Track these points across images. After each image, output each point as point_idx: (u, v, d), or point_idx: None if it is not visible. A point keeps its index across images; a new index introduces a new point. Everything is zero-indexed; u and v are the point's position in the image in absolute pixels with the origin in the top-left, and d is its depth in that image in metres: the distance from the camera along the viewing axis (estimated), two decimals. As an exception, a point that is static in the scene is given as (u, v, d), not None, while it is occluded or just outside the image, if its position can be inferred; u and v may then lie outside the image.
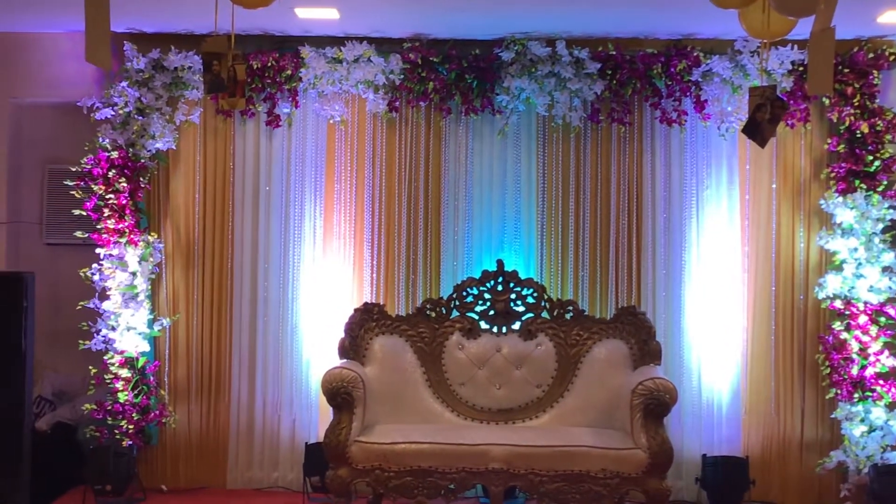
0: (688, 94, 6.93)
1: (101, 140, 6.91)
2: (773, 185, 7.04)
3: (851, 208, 6.76)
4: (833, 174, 6.88)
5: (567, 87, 6.89)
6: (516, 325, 6.72)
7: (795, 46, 6.79)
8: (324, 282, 7.12)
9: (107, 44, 4.16)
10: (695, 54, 6.88)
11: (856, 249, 6.77)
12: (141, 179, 7.00)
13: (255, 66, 6.91)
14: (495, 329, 6.73)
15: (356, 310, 6.70)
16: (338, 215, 7.14)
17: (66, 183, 7.00)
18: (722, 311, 7.03)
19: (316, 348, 7.09)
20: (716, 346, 7.03)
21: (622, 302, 7.00)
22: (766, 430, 7.00)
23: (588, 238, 7.09)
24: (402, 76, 6.97)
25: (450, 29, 6.91)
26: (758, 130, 4.93)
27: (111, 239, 6.89)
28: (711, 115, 6.95)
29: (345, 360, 6.46)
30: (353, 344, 6.57)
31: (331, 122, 7.11)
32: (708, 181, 7.07)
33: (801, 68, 6.83)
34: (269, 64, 6.95)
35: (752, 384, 7.02)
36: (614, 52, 6.89)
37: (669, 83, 6.92)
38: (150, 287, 7.02)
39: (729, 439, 7.00)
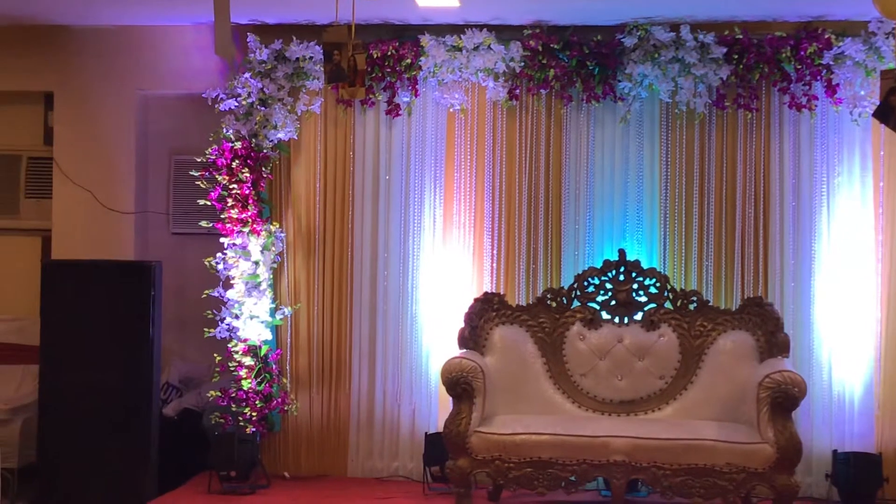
0: (818, 78, 6.81)
1: (224, 131, 7.09)
2: (909, 172, 6.89)
3: None
4: (973, 160, 6.69)
5: (691, 72, 6.83)
6: (638, 316, 6.71)
7: (933, 27, 6.62)
8: (443, 271, 7.19)
9: (232, 36, 4.30)
10: (826, 36, 6.75)
11: None
12: (263, 169, 7.17)
13: (375, 56, 7.01)
14: (617, 319, 6.73)
15: (476, 299, 6.78)
16: (457, 204, 7.20)
17: (191, 173, 7.19)
18: (854, 303, 6.88)
19: (435, 338, 7.17)
20: (847, 339, 6.88)
21: (748, 293, 6.91)
22: (901, 427, 6.86)
23: (713, 227, 7.02)
24: (522, 64, 7.00)
25: (571, 15, 6.91)
26: (891, 114, 4.84)
27: (234, 228, 7.06)
28: (843, 99, 6.81)
29: (464, 350, 6.53)
30: (473, 334, 6.64)
31: (450, 110, 7.18)
32: (839, 168, 6.93)
33: (939, 49, 6.66)
34: (389, 53, 7.05)
35: (886, 378, 6.85)
36: (741, 36, 6.80)
37: (799, 67, 6.80)
38: (272, 276, 7.18)
39: (861, 435, 6.85)
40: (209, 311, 7.06)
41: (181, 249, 7.68)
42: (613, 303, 6.73)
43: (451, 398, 6.21)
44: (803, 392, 5.90)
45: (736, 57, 6.81)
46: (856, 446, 6.80)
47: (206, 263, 7.10)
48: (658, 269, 6.82)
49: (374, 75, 7.06)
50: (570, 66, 6.94)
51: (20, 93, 7.72)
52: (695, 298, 6.69)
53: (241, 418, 6.95)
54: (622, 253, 6.77)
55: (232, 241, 7.07)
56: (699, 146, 7.03)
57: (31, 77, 7.56)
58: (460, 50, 7.02)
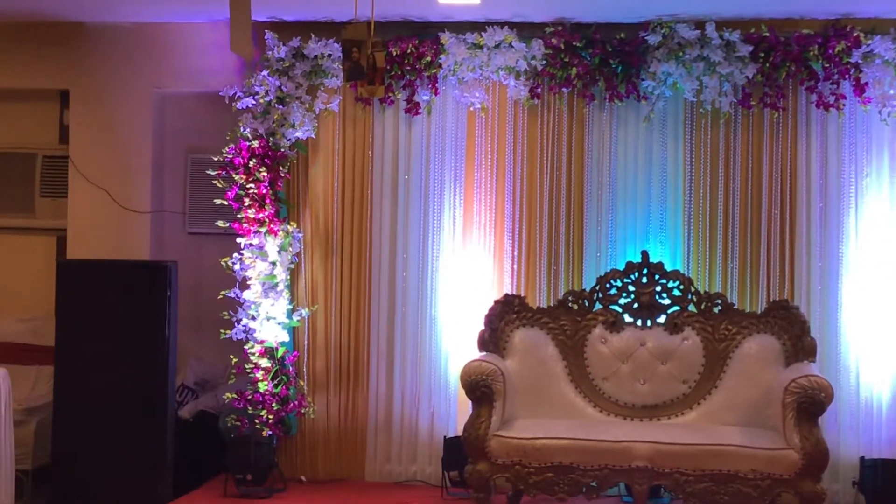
0: (847, 76, 6.78)
1: (242, 129, 7.11)
2: (939, 173, 6.86)
3: None
4: None
5: (717, 71, 6.81)
6: (661, 319, 6.70)
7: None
8: (463, 272, 7.20)
9: (249, 33, 4.32)
10: (854, 34, 6.73)
11: None
12: (281, 168, 7.19)
13: (394, 53, 7.01)
14: (639, 322, 6.72)
15: (496, 301, 6.78)
16: (478, 204, 7.21)
17: (208, 172, 7.21)
18: (883, 306, 6.85)
19: (455, 340, 7.17)
20: (876, 343, 6.85)
21: (774, 296, 6.89)
22: (931, 433, 6.83)
23: (738, 228, 7.01)
24: (544, 62, 7.00)
25: (593, 12, 6.91)
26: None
27: (251, 228, 7.08)
28: (872, 98, 6.78)
29: (484, 353, 6.54)
30: (493, 336, 6.64)
31: (471, 109, 7.18)
32: (868, 169, 6.91)
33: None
34: (409, 51, 7.06)
35: (915, 384, 6.85)
36: (767, 34, 6.78)
37: (827, 65, 6.78)
38: (289, 277, 7.20)
39: (890, 441, 6.82)
40: (225, 313, 7.08)
41: (197, 249, 7.71)
42: (636, 305, 6.73)
43: (470, 401, 6.21)
44: (830, 397, 5.88)
45: (762, 55, 6.79)
46: (884, 453, 6.77)
47: (223, 264, 7.13)
48: (682, 272, 6.81)
49: (393, 73, 7.07)
50: (592, 64, 6.93)
51: (35, 90, 7.77)
52: (719, 301, 6.67)
53: (257, 421, 6.96)
54: (645, 255, 6.76)
55: (249, 242, 7.09)
56: (724, 146, 7.02)
57: (47, 74, 7.61)
58: (481, 48, 7.02)
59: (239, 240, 7.12)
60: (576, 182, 7.14)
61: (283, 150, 7.18)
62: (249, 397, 6.99)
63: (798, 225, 6.95)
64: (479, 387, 6.11)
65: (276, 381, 7.04)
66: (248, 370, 7.04)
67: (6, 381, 6.01)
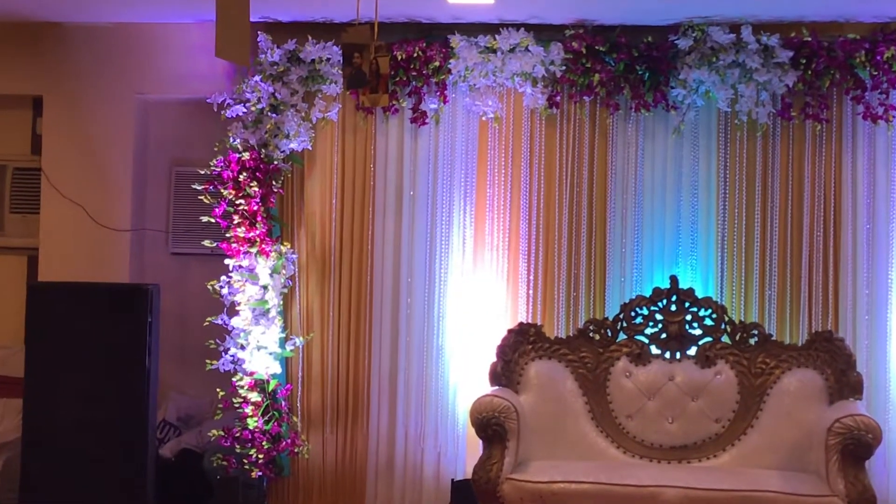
0: (896, 85, 6.81)
1: (231, 140, 7.12)
2: None
3: None
4: None
5: (753, 78, 6.82)
6: (692, 351, 6.70)
7: None
8: (474, 298, 7.19)
9: (243, 37, 4.31)
10: (905, 40, 6.76)
11: None
12: (274, 183, 7.20)
13: (399, 58, 7.03)
14: (668, 355, 6.72)
15: (510, 331, 6.78)
16: (490, 224, 7.21)
17: (193, 187, 7.22)
18: (936, 339, 6.86)
19: (464, 373, 7.16)
20: (928, 379, 6.86)
21: (816, 326, 6.88)
22: None
23: (776, 252, 7.00)
24: (563, 67, 7.01)
25: (618, 13, 6.92)
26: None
27: (241, 249, 7.08)
28: (924, 109, 6.81)
29: (496, 388, 6.54)
30: (507, 369, 6.64)
31: (483, 118, 7.19)
32: (920, 187, 6.93)
33: None
34: (415, 55, 7.07)
35: (971, 424, 6.82)
36: (809, 39, 6.79)
37: (875, 73, 6.78)
38: (282, 302, 7.20)
39: (943, 488, 6.82)
40: (211, 341, 7.08)
41: (181, 271, 7.71)
42: (664, 336, 6.72)
43: (480, 441, 6.21)
44: (879, 439, 5.87)
45: (804, 61, 6.80)
46: (937, 500, 6.76)
47: (209, 287, 7.13)
48: (714, 299, 6.81)
49: (398, 79, 7.09)
50: (616, 70, 6.94)
51: (6, 96, 7.77)
52: (756, 332, 6.67)
53: (246, 461, 6.96)
54: (674, 280, 6.75)
55: (238, 263, 7.09)
56: (762, 161, 7.02)
57: (19, 79, 7.63)
58: (494, 52, 7.04)
59: (227, 261, 7.12)
60: (598, 200, 7.14)
61: (276, 162, 7.19)
62: (237, 435, 6.98)
63: (843, 248, 6.94)
64: (490, 425, 6.11)
65: (266, 417, 7.04)
66: (237, 405, 7.03)
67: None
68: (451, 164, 7.26)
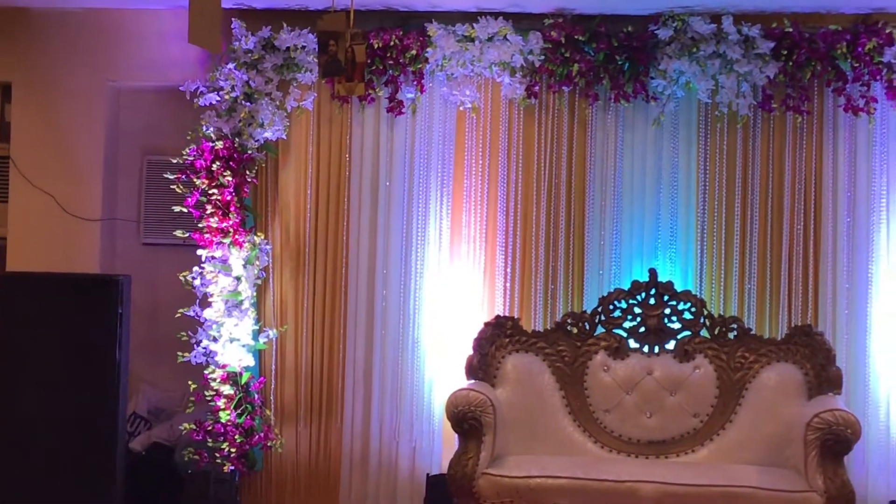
0: (878, 77, 6.82)
1: (204, 128, 7.10)
2: (980, 185, 6.89)
3: None
4: None
5: (734, 69, 6.84)
6: (670, 345, 6.72)
7: None
8: (450, 291, 7.19)
9: (215, 23, 4.30)
10: (887, 31, 6.77)
11: None
12: (247, 173, 7.18)
13: (375, 46, 7.02)
14: (646, 348, 6.73)
15: (487, 324, 6.78)
16: (467, 215, 7.21)
17: (166, 176, 7.19)
18: (916, 333, 6.89)
19: (440, 366, 7.16)
20: (908, 374, 6.90)
21: (795, 320, 6.91)
22: (968, 475, 6.84)
23: (756, 245, 7.02)
24: (542, 57, 7.01)
25: (598, 3, 6.92)
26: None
27: (214, 239, 7.06)
28: (906, 102, 6.84)
29: (473, 381, 6.54)
30: (483, 362, 6.63)
31: (460, 108, 7.19)
32: (901, 179, 6.96)
33: None
34: (392, 43, 7.06)
35: (951, 420, 6.86)
36: (791, 29, 6.81)
37: (856, 65, 6.81)
38: (255, 294, 7.18)
39: (923, 484, 6.86)
40: (183, 333, 7.06)
41: (153, 262, 7.68)
42: (642, 329, 6.74)
43: (456, 435, 6.21)
44: (857, 434, 5.89)
45: (785, 53, 6.82)
46: (916, 496, 6.80)
47: (181, 278, 7.11)
48: (694, 292, 6.82)
49: (374, 68, 7.08)
50: (596, 60, 6.94)
51: (-28, 83, 7.75)
52: (735, 326, 6.69)
53: (217, 455, 6.95)
54: (653, 273, 6.77)
55: (210, 254, 7.07)
56: (742, 153, 7.04)
57: (-14, 65, 7.60)
58: (472, 40, 7.03)
59: (199, 252, 7.10)
60: (576, 191, 7.14)
61: (250, 152, 7.17)
62: (209, 428, 6.97)
63: (823, 242, 6.98)
64: (466, 419, 6.11)
65: (239, 411, 7.02)
66: (209, 398, 7.02)
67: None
68: (427, 155, 7.26)
